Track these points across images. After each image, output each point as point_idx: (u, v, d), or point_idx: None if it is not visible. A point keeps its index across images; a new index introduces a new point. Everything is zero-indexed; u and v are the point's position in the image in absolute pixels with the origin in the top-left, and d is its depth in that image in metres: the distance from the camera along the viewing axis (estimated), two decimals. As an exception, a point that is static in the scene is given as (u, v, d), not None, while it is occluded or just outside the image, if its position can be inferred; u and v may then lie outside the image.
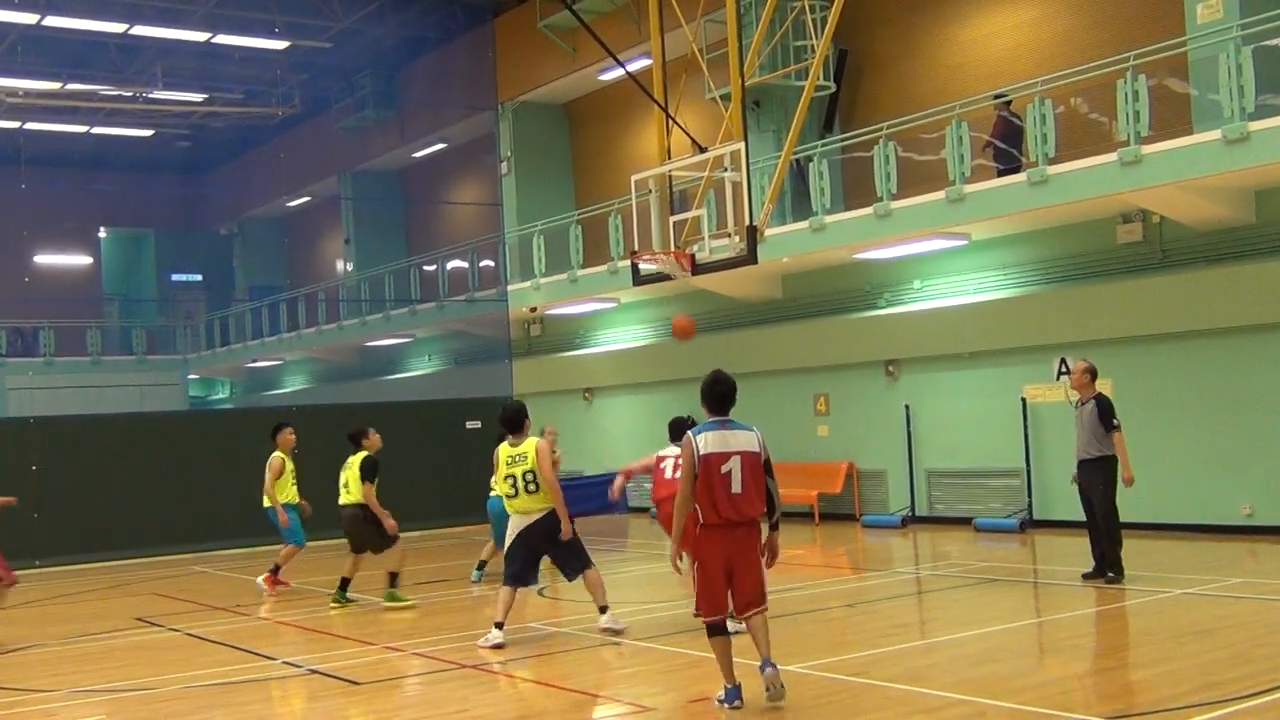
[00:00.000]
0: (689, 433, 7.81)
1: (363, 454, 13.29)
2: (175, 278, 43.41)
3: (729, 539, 7.64)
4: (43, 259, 42.32)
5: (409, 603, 13.03)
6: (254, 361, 38.51)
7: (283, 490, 14.69)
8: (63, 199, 40.84)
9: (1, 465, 19.05)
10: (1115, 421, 12.19)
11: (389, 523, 12.98)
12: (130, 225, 42.82)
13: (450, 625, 11.97)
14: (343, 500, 13.29)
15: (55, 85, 32.20)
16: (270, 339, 36.68)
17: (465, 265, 30.40)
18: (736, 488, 7.59)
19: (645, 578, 13.44)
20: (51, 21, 28.38)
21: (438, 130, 32.17)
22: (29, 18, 28.13)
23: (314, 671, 9.70)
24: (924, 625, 11.58)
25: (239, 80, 33.97)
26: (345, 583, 13.35)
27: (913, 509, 19.80)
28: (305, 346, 35.47)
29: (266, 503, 14.71)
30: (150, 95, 33.05)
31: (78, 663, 11.01)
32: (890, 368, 20.24)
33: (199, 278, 43.71)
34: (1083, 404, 12.41)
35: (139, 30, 29.60)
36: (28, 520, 18.83)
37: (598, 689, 8.98)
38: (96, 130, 36.85)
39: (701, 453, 7.62)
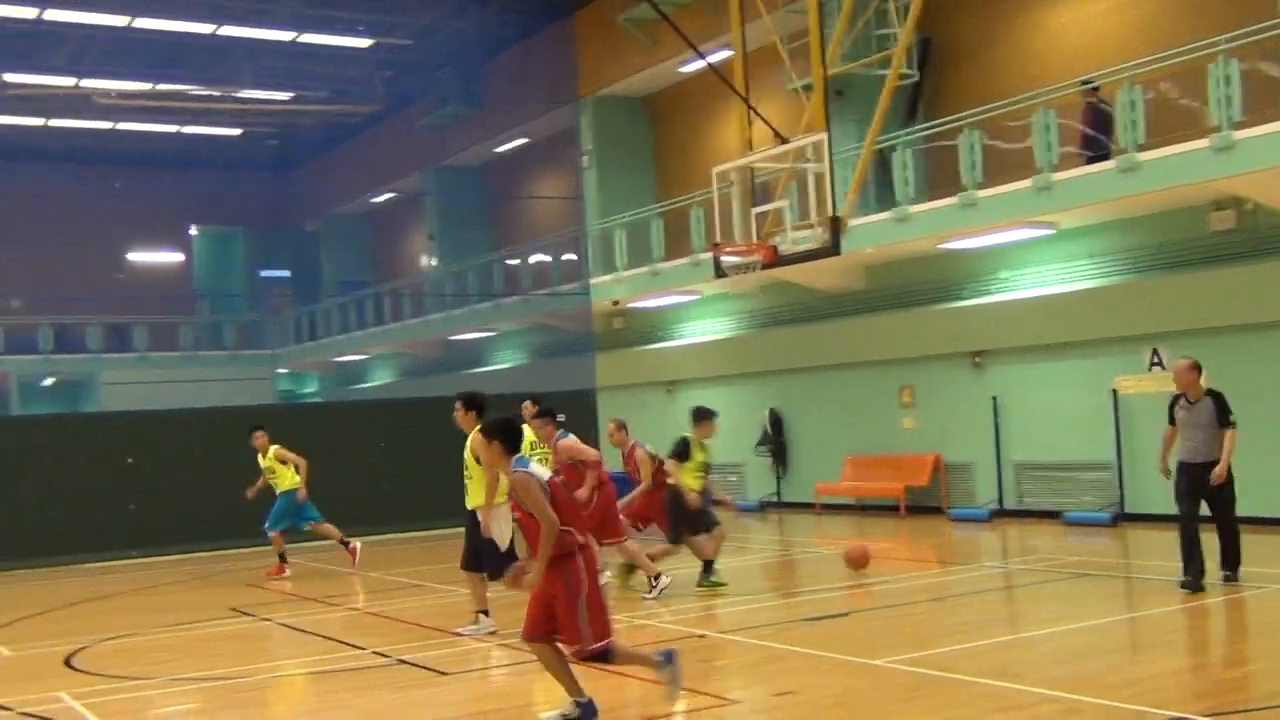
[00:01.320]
0: (529, 466, 7.47)
1: (686, 436, 13.16)
2: (264, 274, 44.17)
3: None
4: (136, 257, 43.33)
5: (725, 585, 12.92)
6: (341, 356, 39.04)
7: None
8: (155, 198, 41.78)
9: (98, 458, 19.54)
10: (1232, 418, 11.48)
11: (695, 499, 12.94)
12: (220, 223, 43.63)
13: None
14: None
15: (146, 86, 32.87)
16: (357, 333, 37.18)
17: (547, 259, 30.56)
18: None
19: (728, 572, 13.40)
20: (142, 23, 28.99)
21: (519, 125, 32.36)
22: (120, 20, 28.75)
23: (402, 661, 9.82)
24: (1013, 620, 11.44)
25: (325, 79, 34.45)
26: (709, 565, 13.04)
27: (1001, 502, 19.56)
28: (391, 341, 35.89)
29: None
30: (239, 95, 33.61)
31: (174, 651, 11.26)
32: (976, 359, 20.01)
33: (287, 274, 44.44)
34: (1191, 403, 11.47)
35: (227, 31, 30.12)
36: (123, 512, 19.32)
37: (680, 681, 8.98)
38: (187, 130, 37.60)
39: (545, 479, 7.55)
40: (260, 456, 16.35)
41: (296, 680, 9.65)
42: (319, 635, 11.51)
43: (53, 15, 28.32)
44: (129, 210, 41.85)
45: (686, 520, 12.93)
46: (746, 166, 16.63)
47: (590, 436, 17.08)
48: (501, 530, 10.65)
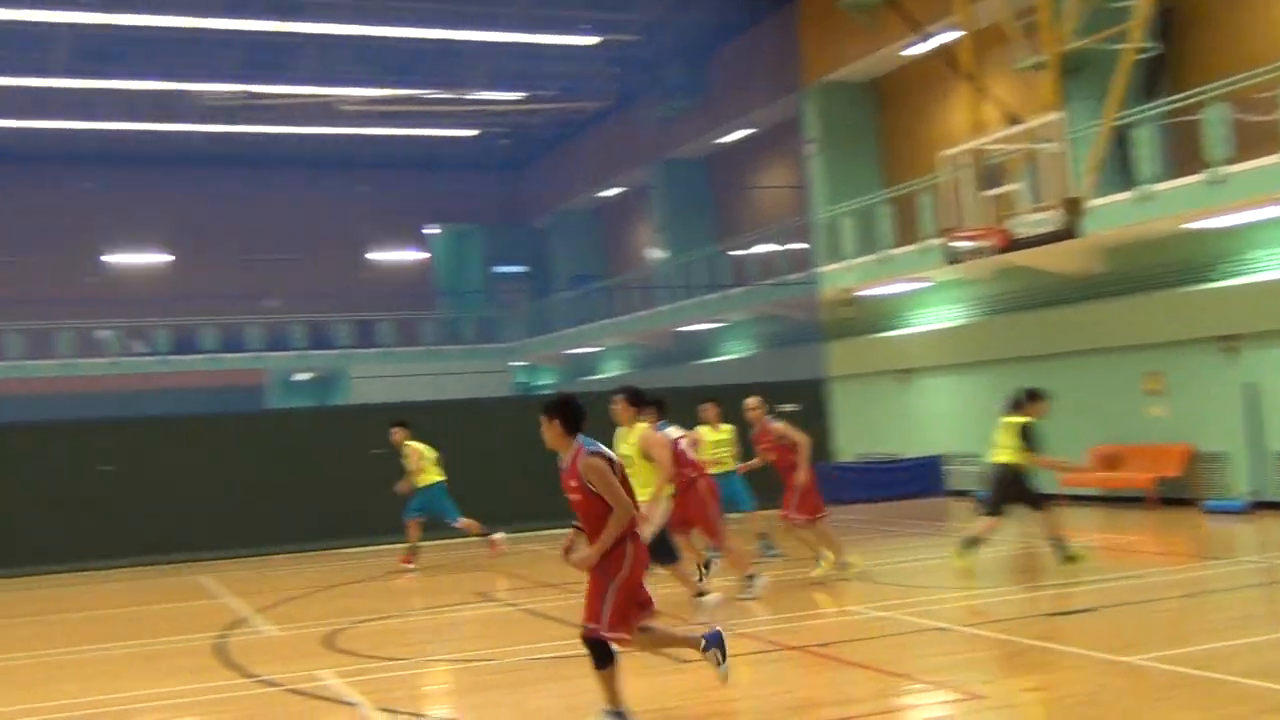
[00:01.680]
0: (600, 449, 7.34)
1: (1023, 418, 13.36)
2: (499, 270, 45.41)
3: None
4: (380, 257, 45.22)
5: (1081, 556, 13.05)
6: (574, 348, 39.85)
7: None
8: (396, 200, 43.54)
9: (348, 449, 20.46)
10: None
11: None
12: (457, 221, 45.07)
13: (778, 606, 12.04)
14: (994, 459, 13.58)
15: (386, 92, 34.23)
16: (588, 326, 37.86)
17: (774, 249, 30.50)
18: None
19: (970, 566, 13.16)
20: (379, 31, 30.24)
21: (744, 115, 32.39)
22: (359, 29, 30.05)
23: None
24: (1277, 618, 10.88)
25: (555, 77, 35.20)
26: (974, 541, 13.22)
27: (1260, 493, 18.56)
28: (621, 333, 36.42)
29: None
30: (473, 96, 34.66)
31: (426, 633, 11.76)
32: (1228, 343, 19.04)
33: (522, 269, 45.56)
34: None
35: (460, 35, 31.11)
36: (371, 501, 20.18)
37: (924, 674, 8.89)
38: (424, 133, 38.99)
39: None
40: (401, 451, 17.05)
41: (543, 664, 9.96)
42: (561, 621, 11.82)
43: (298, 28, 29.81)
44: (372, 212, 43.77)
45: (1017, 495, 13.05)
46: (977, 149, 16.27)
47: (819, 428, 17.02)
48: (656, 521, 10.73)
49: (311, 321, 40.03)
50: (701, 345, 33.81)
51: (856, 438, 25.93)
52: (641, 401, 10.76)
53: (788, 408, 23.16)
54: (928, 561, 12.90)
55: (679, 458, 11.99)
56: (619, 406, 10.74)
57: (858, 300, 26.74)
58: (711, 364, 32.47)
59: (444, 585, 15.39)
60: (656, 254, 37.45)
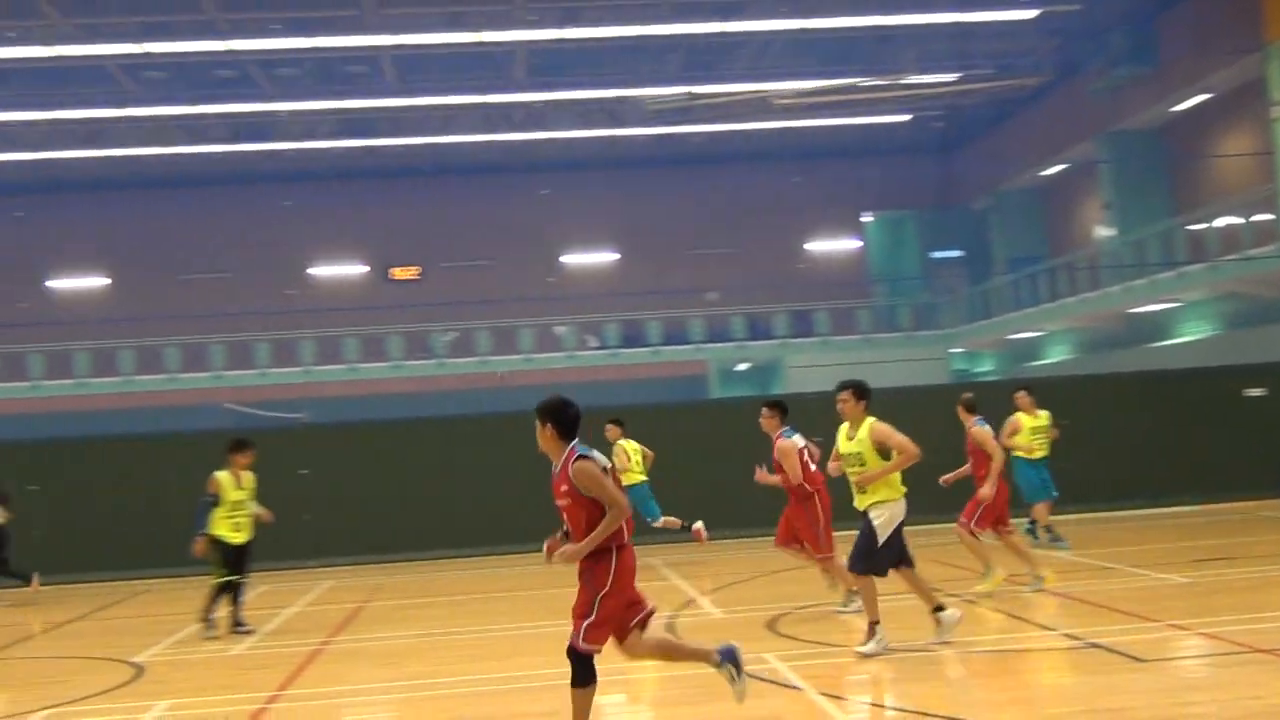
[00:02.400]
0: (592, 453, 7.11)
1: None
2: (936, 255, 44.74)
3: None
4: (815, 246, 45.69)
5: None
6: (1015, 333, 38.65)
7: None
8: (830, 189, 43.86)
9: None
10: None
11: None
12: (892, 208, 44.82)
13: (1237, 605, 11.24)
14: None
15: (819, 83, 34.49)
16: (1031, 310, 36.61)
17: (1237, 221, 28.28)
18: None
19: None
20: (814, 24, 30.51)
21: (1199, 80, 30.28)
22: (795, 23, 30.44)
23: (1094, 645, 9.60)
24: None
25: (990, 55, 34.27)
26: None
27: None
28: (1066, 316, 34.98)
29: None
30: (906, 81, 34.31)
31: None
32: None
33: (959, 253, 44.69)
34: None
35: (892, 20, 30.88)
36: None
37: None
38: (857, 121, 39.01)
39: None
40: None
41: (982, 658, 9.76)
42: (1004, 613, 11.54)
43: (737, 27, 30.59)
44: (807, 202, 44.29)
45: None
46: None
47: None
48: (886, 524, 9.98)
49: (749, 313, 41.01)
50: (1155, 327, 31.87)
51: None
52: (868, 395, 10.14)
53: (1254, 392, 21.45)
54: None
55: (804, 469, 11.74)
56: (848, 404, 10.08)
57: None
58: (1164, 347, 30.55)
59: (891, 575, 15.34)
60: (1104, 232, 35.65)
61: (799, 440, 11.95)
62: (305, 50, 30.68)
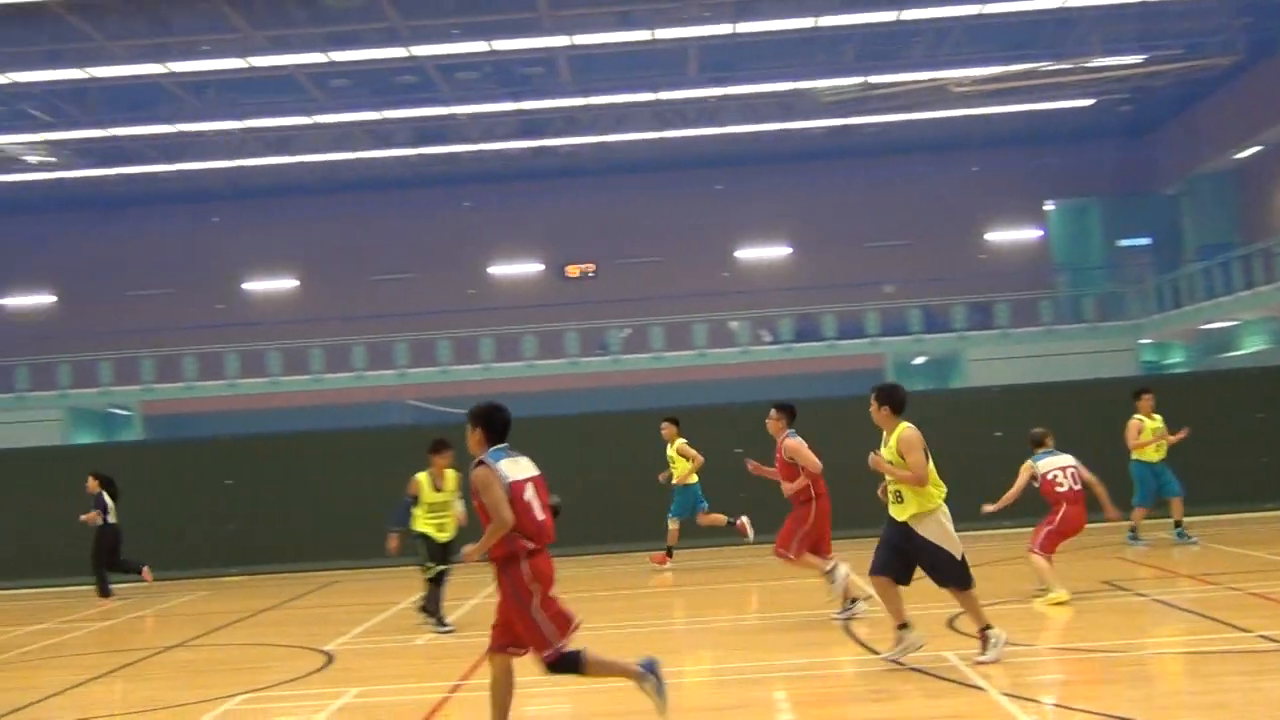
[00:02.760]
0: (487, 459, 7.34)
1: None
2: (1123, 243, 43.31)
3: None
4: (995, 237, 44.67)
5: None
6: (1207, 323, 37.13)
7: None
8: (1009, 177, 42.86)
9: (964, 430, 19.99)
10: None
11: None
12: (1075, 195, 43.59)
13: None
14: None
15: (998, 69, 33.71)
16: (1224, 298, 35.13)
17: None
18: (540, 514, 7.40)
19: None
20: (993, 9, 29.81)
21: None
22: (973, 9, 29.77)
23: (1293, 648, 9.20)
24: None
25: (1179, 35, 32.99)
26: None
27: None
28: (1262, 305, 33.46)
29: None
30: (1089, 64, 33.29)
31: (1053, 621, 11.51)
32: None
33: (1146, 241, 43.19)
34: None
35: (1077, 1, 29.96)
36: (992, 484, 19.89)
37: None
38: (1039, 106, 38.00)
39: (510, 479, 7.30)
40: (669, 446, 17.07)
41: (1176, 659, 9.43)
42: (1198, 614, 11.12)
43: (913, 14, 30.08)
44: (987, 191, 43.34)
45: None
46: None
47: None
48: (945, 534, 9.39)
49: (927, 305, 40.34)
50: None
51: None
52: (895, 401, 9.67)
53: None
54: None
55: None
56: (875, 409, 9.68)
57: None
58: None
59: (1069, 572, 14.94)
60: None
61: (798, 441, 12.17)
62: (483, 54, 31.32)
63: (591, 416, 22.26)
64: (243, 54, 30.06)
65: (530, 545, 7.24)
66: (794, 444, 12.07)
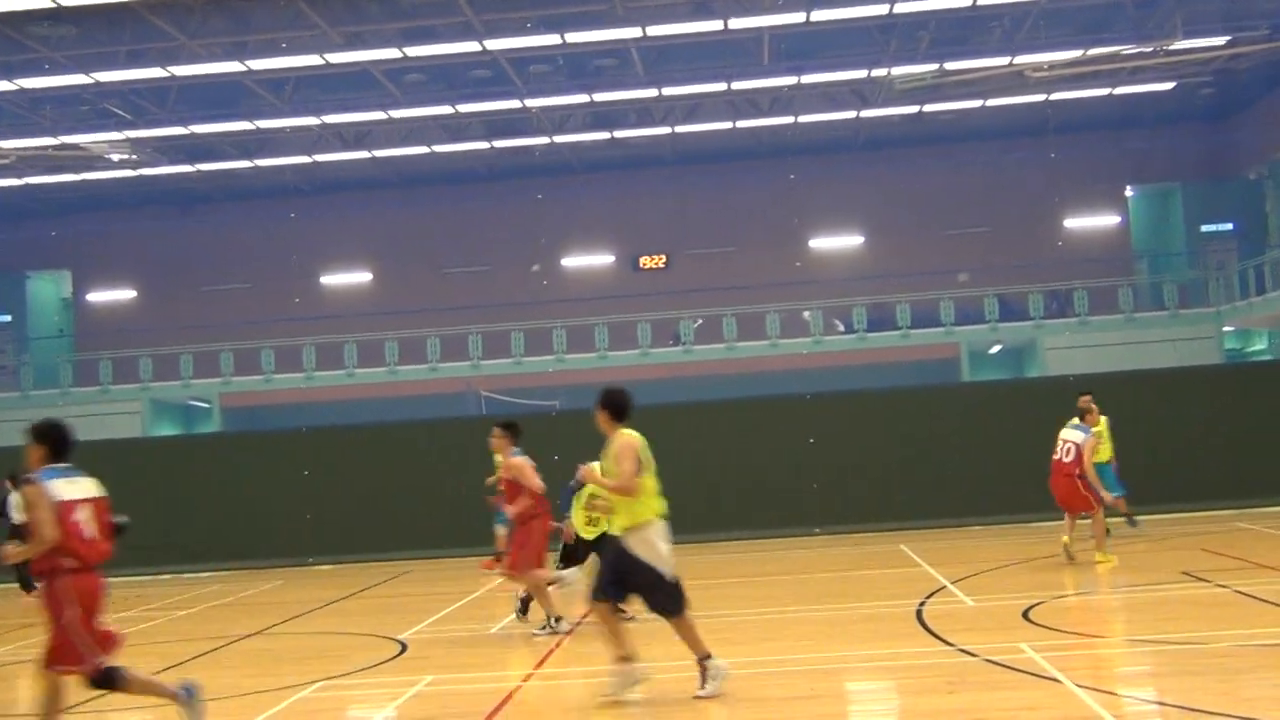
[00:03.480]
0: (38, 477, 7.62)
1: None
2: (1205, 228, 42.44)
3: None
4: (1073, 223, 43.98)
5: None
6: (1293, 310, 36.30)
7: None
8: (1089, 163, 42.16)
9: (1040, 421, 19.67)
10: None
11: None
12: (1156, 180, 42.81)
13: None
14: None
15: (1077, 54, 33.15)
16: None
17: None
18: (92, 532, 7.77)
19: None
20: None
21: None
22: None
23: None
24: None
25: (1265, 16, 32.23)
26: None
27: None
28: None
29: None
30: (1171, 47, 32.62)
31: (1128, 612, 11.35)
32: None
33: (1229, 226, 42.28)
34: None
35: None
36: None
37: None
38: (1118, 90, 37.34)
39: (61, 499, 7.61)
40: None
41: (1256, 651, 9.23)
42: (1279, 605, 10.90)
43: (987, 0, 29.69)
44: (1064, 178, 42.68)
45: None
46: None
47: None
48: (654, 550, 8.72)
49: (1003, 293, 39.83)
50: None
51: None
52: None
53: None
54: None
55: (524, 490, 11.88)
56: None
57: None
58: None
59: (1146, 562, 14.72)
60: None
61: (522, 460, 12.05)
62: (556, 47, 31.38)
63: (664, 407, 22.26)
64: (319, 51, 30.38)
65: (71, 563, 7.60)
66: (517, 463, 11.97)
